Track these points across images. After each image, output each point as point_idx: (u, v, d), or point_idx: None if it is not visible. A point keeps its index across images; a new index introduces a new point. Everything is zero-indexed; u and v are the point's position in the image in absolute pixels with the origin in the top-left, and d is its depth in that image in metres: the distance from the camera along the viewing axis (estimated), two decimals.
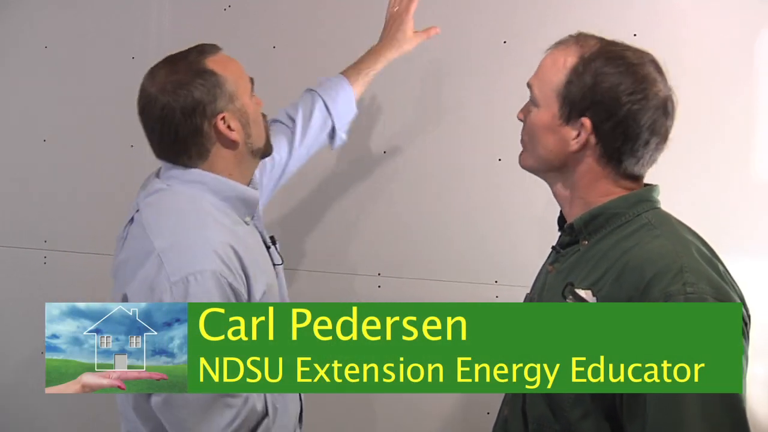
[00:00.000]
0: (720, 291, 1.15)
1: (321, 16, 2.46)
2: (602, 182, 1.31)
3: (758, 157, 2.14)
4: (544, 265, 1.50)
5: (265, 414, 1.48)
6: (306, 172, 1.98)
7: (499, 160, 2.29)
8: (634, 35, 2.12)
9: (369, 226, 2.41)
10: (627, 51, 1.30)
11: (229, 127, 1.48)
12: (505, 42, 2.29)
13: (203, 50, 1.50)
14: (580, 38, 1.33)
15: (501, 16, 2.30)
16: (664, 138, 1.29)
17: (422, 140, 2.37)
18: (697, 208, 2.09)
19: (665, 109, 1.28)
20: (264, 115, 1.61)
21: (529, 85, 1.38)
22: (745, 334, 1.18)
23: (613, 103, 1.25)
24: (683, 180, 2.10)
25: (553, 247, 1.44)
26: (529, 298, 1.49)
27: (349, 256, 2.42)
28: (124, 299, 1.42)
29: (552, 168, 1.36)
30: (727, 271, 1.25)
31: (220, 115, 1.47)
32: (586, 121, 1.27)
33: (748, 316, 1.21)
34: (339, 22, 2.44)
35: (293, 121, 1.91)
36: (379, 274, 2.42)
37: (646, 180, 1.36)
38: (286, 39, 2.48)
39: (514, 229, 2.30)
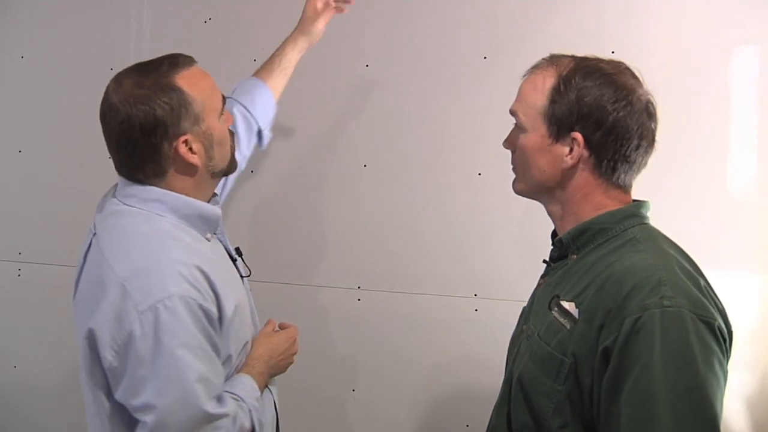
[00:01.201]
0: (698, 304, 1.16)
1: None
2: (595, 195, 1.33)
3: (734, 172, 2.16)
4: (540, 278, 1.52)
5: (252, 430, 1.46)
6: (286, 183, 1.97)
7: (479, 174, 2.30)
8: (612, 52, 2.16)
9: (349, 240, 2.40)
10: (601, 63, 1.33)
11: (191, 149, 1.41)
12: (485, 58, 2.30)
13: (176, 63, 1.43)
14: (554, 59, 1.36)
15: (481, 32, 2.31)
16: (652, 140, 1.33)
17: (403, 154, 2.37)
18: (674, 223, 2.12)
19: (648, 111, 1.31)
20: (232, 133, 1.56)
21: (512, 113, 1.39)
22: (723, 348, 1.18)
23: (600, 114, 1.27)
24: (659, 195, 2.11)
25: (544, 261, 1.47)
26: (523, 311, 1.50)
27: (328, 269, 2.41)
28: (90, 333, 1.36)
29: (547, 189, 1.37)
30: (710, 286, 1.26)
31: (182, 138, 1.40)
32: (577, 135, 1.29)
33: (729, 332, 1.22)
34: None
35: None
36: (359, 287, 2.41)
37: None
38: (267, 52, 2.47)
39: (493, 242, 2.30)
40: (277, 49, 1.97)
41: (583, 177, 1.32)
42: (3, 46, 2.66)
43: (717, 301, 1.24)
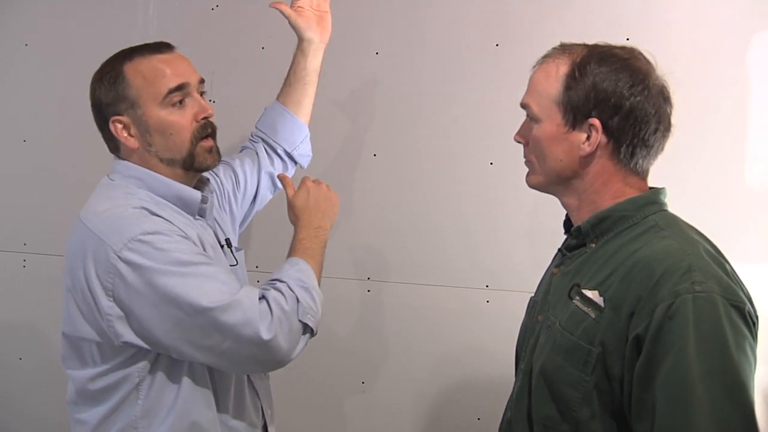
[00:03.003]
0: (728, 289, 1.16)
1: None
2: (614, 182, 1.32)
3: (752, 160, 2.14)
4: (548, 268, 1.50)
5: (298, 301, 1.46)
6: (295, 175, 1.95)
7: (491, 164, 2.27)
8: (627, 39, 2.13)
9: (359, 230, 2.38)
10: (615, 49, 1.32)
11: (129, 132, 1.51)
12: (497, 45, 2.27)
13: (138, 50, 1.53)
14: (565, 48, 1.35)
15: (493, 19, 2.28)
16: (668, 124, 1.31)
17: (413, 144, 2.35)
18: (691, 211, 2.09)
19: (664, 95, 1.30)
20: (208, 125, 1.55)
21: (524, 105, 1.37)
22: (753, 332, 1.19)
23: (617, 99, 1.26)
24: (677, 184, 2.08)
25: (559, 250, 1.45)
26: (533, 302, 1.48)
27: (338, 260, 2.39)
28: (80, 285, 1.43)
29: (564, 179, 1.35)
30: (734, 271, 1.25)
31: (115, 118, 1.50)
32: (595, 121, 1.28)
33: (756, 316, 1.22)
34: None
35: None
36: (368, 279, 2.39)
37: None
38: (275, 40, 2.44)
39: (505, 233, 2.28)
40: (290, 68, 1.96)
41: (602, 164, 1.31)
42: (7, 34, 2.63)
43: (743, 285, 1.23)
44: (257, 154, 1.91)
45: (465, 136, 2.31)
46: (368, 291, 2.39)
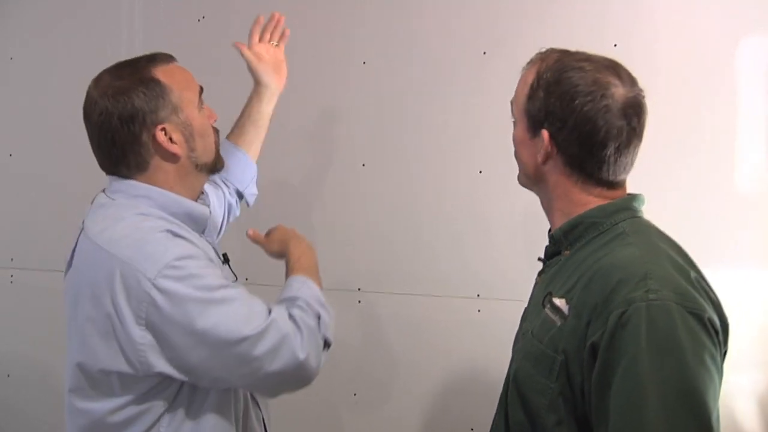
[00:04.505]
0: (686, 297, 1.14)
1: (295, 28, 2.42)
2: (574, 192, 1.31)
3: (741, 163, 2.14)
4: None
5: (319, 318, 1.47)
6: (284, 183, 1.95)
7: (480, 172, 2.27)
8: (615, 45, 2.13)
9: (348, 241, 2.37)
10: (584, 61, 1.29)
11: (171, 139, 1.43)
12: (485, 53, 2.27)
13: (153, 58, 1.46)
14: (544, 55, 1.34)
15: (481, 26, 2.28)
16: (628, 140, 1.27)
17: (402, 153, 2.34)
18: (680, 216, 2.09)
19: (624, 112, 1.26)
20: (216, 130, 1.56)
21: (511, 103, 1.40)
22: (716, 341, 1.15)
23: (563, 112, 1.26)
24: (666, 188, 2.09)
25: (539, 258, 1.45)
26: (524, 310, 1.48)
27: (328, 270, 2.36)
28: (108, 319, 1.35)
29: (533, 182, 1.38)
30: (702, 279, 1.23)
31: (160, 126, 1.42)
32: (545, 133, 1.29)
33: (724, 325, 1.20)
34: (312, 34, 2.40)
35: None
36: (359, 289, 2.38)
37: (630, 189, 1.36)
38: None
39: (495, 241, 2.28)
40: (243, 109, 1.94)
41: (557, 174, 1.31)
42: None
43: (710, 293, 1.21)
44: (216, 182, 1.89)
45: (454, 144, 2.30)
46: (359, 302, 2.38)
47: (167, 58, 1.49)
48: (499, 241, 2.27)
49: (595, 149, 1.26)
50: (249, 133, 1.92)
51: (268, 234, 1.72)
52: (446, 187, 2.31)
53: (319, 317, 1.45)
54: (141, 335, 1.33)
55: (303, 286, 1.50)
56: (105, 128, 1.41)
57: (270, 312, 1.38)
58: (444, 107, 2.31)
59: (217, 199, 1.82)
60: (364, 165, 2.37)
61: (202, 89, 1.52)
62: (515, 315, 1.51)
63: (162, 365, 1.35)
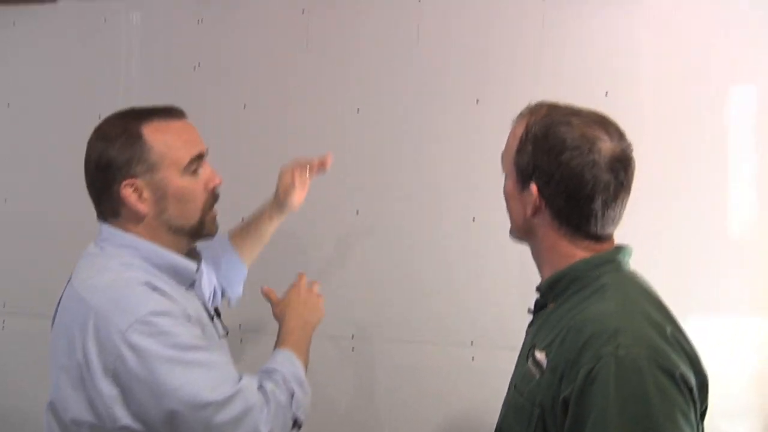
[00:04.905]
0: (657, 352, 1.14)
1: (291, 76, 2.45)
2: (562, 245, 1.32)
3: (733, 211, 2.15)
4: None
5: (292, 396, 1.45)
6: (280, 228, 1.95)
7: (474, 219, 2.27)
8: (606, 94, 2.16)
9: (342, 287, 2.37)
10: (572, 115, 1.31)
11: (140, 196, 1.44)
12: (478, 101, 2.29)
13: (152, 113, 1.48)
14: (533, 108, 1.36)
15: (474, 75, 2.30)
16: (615, 194, 1.28)
17: (395, 200, 2.35)
18: (672, 264, 2.09)
19: (611, 166, 1.26)
20: (216, 195, 1.55)
21: (501, 158, 1.41)
22: (688, 399, 1.14)
23: (550, 166, 1.27)
24: (657, 236, 2.09)
25: (529, 310, 1.46)
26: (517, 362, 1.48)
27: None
28: (78, 366, 1.35)
29: (524, 235, 1.39)
30: (680, 333, 1.22)
31: (129, 181, 1.43)
32: (533, 186, 1.30)
33: (701, 381, 1.19)
34: (309, 81, 2.43)
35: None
36: (352, 336, 2.36)
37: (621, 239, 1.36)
38: (257, 98, 2.46)
39: (490, 289, 2.27)
40: (254, 218, 1.94)
41: (544, 227, 1.32)
42: None
43: (687, 348, 1.20)
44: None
45: (447, 191, 2.31)
46: (352, 349, 2.36)
47: (172, 114, 1.50)
48: (494, 288, 2.27)
49: (583, 203, 1.27)
50: (251, 244, 1.93)
51: (289, 289, 1.72)
52: (440, 234, 2.32)
53: (292, 395, 1.44)
54: (108, 387, 1.33)
55: (285, 361, 1.50)
56: (87, 170, 1.46)
57: (240, 380, 1.37)
58: (437, 154, 2.32)
59: (207, 278, 1.79)
60: (358, 212, 2.37)
61: (201, 153, 1.51)
62: (509, 363, 1.51)
63: (127, 419, 1.34)
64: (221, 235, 1.87)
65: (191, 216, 1.50)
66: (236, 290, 1.91)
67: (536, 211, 1.31)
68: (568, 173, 1.26)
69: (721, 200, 2.15)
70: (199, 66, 2.51)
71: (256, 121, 2.47)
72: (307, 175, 1.92)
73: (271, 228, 1.95)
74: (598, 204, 1.27)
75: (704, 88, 2.16)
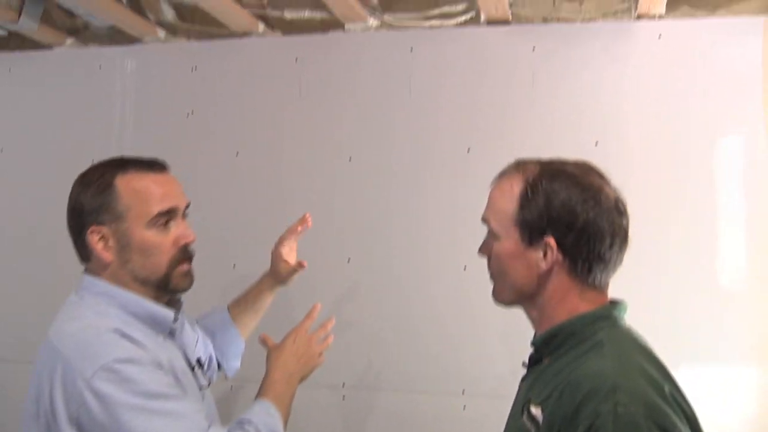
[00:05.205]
0: (654, 410, 1.13)
1: (284, 124, 2.47)
2: (570, 297, 1.31)
3: (723, 261, 2.16)
4: None
5: None
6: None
7: (465, 268, 2.27)
8: (596, 144, 2.18)
9: (334, 334, 2.35)
10: (567, 165, 1.33)
11: (106, 244, 1.46)
12: (469, 150, 2.31)
13: (127, 164, 1.50)
14: (519, 165, 1.37)
15: (465, 125, 2.33)
16: (624, 237, 1.31)
17: (387, 247, 2.35)
18: (663, 315, 2.09)
19: (618, 209, 1.30)
20: (187, 252, 1.53)
21: (484, 220, 1.39)
22: None
23: (569, 216, 1.27)
24: (648, 287, 2.09)
25: (523, 364, 1.44)
26: (509, 414, 1.46)
27: None
28: (45, 413, 1.34)
29: (526, 295, 1.35)
30: (678, 392, 1.22)
31: (95, 228, 1.46)
32: (550, 239, 1.28)
33: None
34: (302, 130, 2.45)
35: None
36: (343, 385, 2.34)
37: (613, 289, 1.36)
38: (249, 146, 2.48)
39: (481, 338, 2.26)
40: (251, 292, 1.93)
41: (559, 280, 1.31)
42: None
43: (685, 407, 1.20)
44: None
45: (438, 240, 2.31)
46: (343, 398, 2.34)
47: (153, 166, 1.52)
48: (485, 337, 2.26)
49: (604, 248, 1.27)
50: (249, 316, 1.92)
51: (287, 335, 1.69)
52: (431, 282, 2.31)
53: None
54: None
55: (262, 412, 1.49)
56: (67, 213, 1.50)
57: (208, 430, 1.35)
58: (428, 203, 2.33)
59: (203, 344, 1.77)
60: (349, 260, 2.37)
61: (172, 208, 1.50)
62: (501, 412, 1.49)
63: None
64: (221, 308, 1.89)
65: (155, 269, 1.49)
66: (233, 364, 1.89)
67: (553, 265, 1.29)
68: (586, 222, 1.26)
69: (710, 249, 2.16)
70: (192, 113, 2.52)
71: (248, 168, 2.48)
72: (294, 240, 1.92)
73: (269, 300, 1.94)
74: (615, 249, 1.29)
75: (692, 139, 2.19)
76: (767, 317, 2.12)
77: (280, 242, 1.90)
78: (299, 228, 1.91)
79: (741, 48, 2.18)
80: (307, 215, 1.92)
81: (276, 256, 1.89)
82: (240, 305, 1.91)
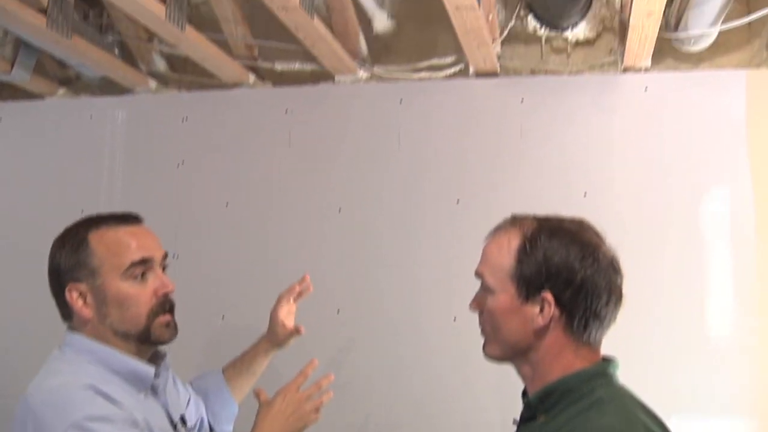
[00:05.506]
0: None
1: (274, 175, 2.48)
2: (565, 354, 1.30)
3: (712, 313, 2.15)
4: None
5: None
6: (259, 332, 1.93)
7: (455, 319, 2.26)
8: (584, 195, 2.20)
9: (331, 392, 2.32)
10: (564, 222, 1.34)
11: (85, 301, 1.46)
12: (458, 201, 2.31)
13: (100, 221, 1.51)
14: (516, 220, 1.37)
15: (454, 176, 2.34)
16: (620, 295, 1.30)
17: (377, 299, 2.34)
18: (658, 370, 2.08)
19: (614, 267, 1.30)
20: (167, 301, 1.52)
21: (478, 274, 1.38)
22: None
23: (568, 272, 1.27)
24: (640, 340, 2.09)
25: (514, 421, 1.41)
26: None
27: None
28: None
29: (520, 351, 1.34)
30: None
31: (72, 285, 1.46)
32: (548, 295, 1.28)
33: None
34: (292, 181, 2.46)
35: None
36: None
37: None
38: (239, 197, 2.48)
39: (471, 388, 2.24)
40: (248, 353, 1.90)
41: (555, 336, 1.30)
42: None
43: None
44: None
45: (428, 291, 2.31)
46: None
47: (125, 220, 1.52)
48: (477, 388, 2.23)
49: (601, 306, 1.27)
50: (243, 380, 1.89)
51: (277, 393, 1.65)
52: (422, 334, 2.30)
53: None
54: None
55: None
56: (47, 274, 1.50)
57: None
58: (418, 254, 2.33)
59: (195, 405, 1.74)
60: (339, 311, 2.36)
61: (145, 258, 1.49)
62: None
63: None
64: (215, 370, 1.85)
65: (135, 322, 1.48)
66: (225, 429, 1.85)
67: (550, 320, 1.28)
68: (584, 279, 1.26)
69: (698, 301, 2.16)
70: (182, 164, 2.53)
71: (238, 219, 2.47)
72: (293, 302, 1.90)
73: (265, 363, 1.91)
74: (610, 307, 1.28)
75: (679, 189, 2.20)
76: (755, 369, 2.11)
77: (278, 303, 1.87)
78: (298, 288, 1.88)
79: (725, 100, 2.21)
80: (307, 277, 1.89)
81: (274, 318, 1.86)
82: (235, 368, 1.88)
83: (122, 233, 1.49)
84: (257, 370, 1.90)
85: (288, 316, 1.87)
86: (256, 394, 1.66)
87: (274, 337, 1.86)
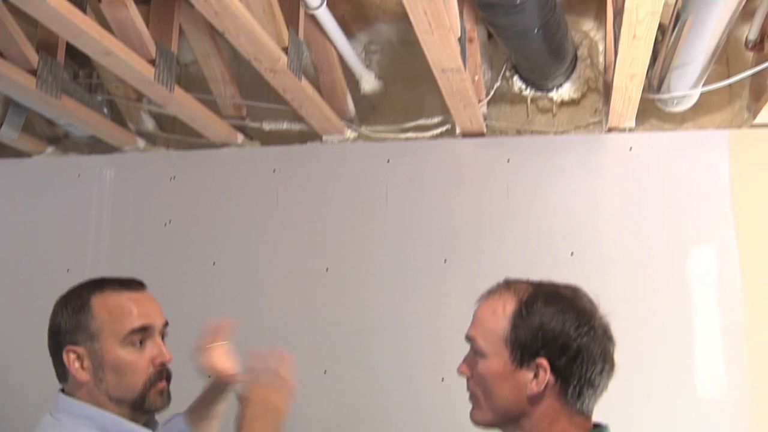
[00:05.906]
0: None
1: (261, 234, 2.47)
2: (560, 422, 1.27)
3: (701, 373, 2.14)
4: None
5: None
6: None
7: (443, 379, 2.24)
8: (571, 254, 2.20)
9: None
10: (559, 288, 1.32)
11: (82, 364, 1.44)
12: (445, 261, 2.31)
13: (104, 283, 1.50)
14: (510, 284, 1.35)
15: (441, 236, 2.34)
16: (612, 363, 1.29)
17: (364, 359, 2.32)
18: (646, 426, 2.06)
19: (608, 335, 1.30)
20: (164, 371, 1.50)
21: (470, 338, 1.35)
22: None
23: (565, 339, 1.25)
24: (631, 401, 2.07)
25: None
26: None
27: None
28: None
29: (511, 418, 1.31)
30: None
31: (71, 348, 1.45)
32: (543, 361, 1.25)
33: None
34: (279, 240, 2.45)
35: None
36: None
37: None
38: (226, 256, 2.47)
39: None
40: (206, 397, 1.85)
41: (549, 403, 1.27)
42: None
43: None
44: None
45: (416, 351, 2.29)
46: None
47: (129, 285, 1.51)
48: None
49: (595, 374, 1.26)
50: (208, 424, 1.85)
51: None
52: (410, 394, 2.27)
53: None
54: None
55: None
56: (47, 333, 1.48)
57: None
58: (405, 314, 2.32)
59: None
60: (325, 372, 2.34)
61: (146, 326, 1.47)
62: None
63: None
64: (178, 416, 1.79)
65: (130, 389, 1.46)
66: None
67: (545, 387, 1.26)
68: (580, 346, 1.24)
69: (687, 360, 2.15)
70: (170, 222, 2.53)
71: (225, 278, 2.46)
72: (219, 342, 1.81)
73: (225, 405, 1.85)
74: (604, 375, 1.27)
75: (665, 248, 2.21)
76: (745, 425, 2.10)
77: (199, 353, 1.79)
78: (223, 328, 1.82)
79: (709, 159, 2.24)
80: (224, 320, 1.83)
81: (207, 370, 1.79)
82: (196, 413, 1.83)
83: (125, 299, 1.48)
84: (217, 413, 1.85)
85: (220, 358, 1.78)
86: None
87: (220, 381, 1.81)
